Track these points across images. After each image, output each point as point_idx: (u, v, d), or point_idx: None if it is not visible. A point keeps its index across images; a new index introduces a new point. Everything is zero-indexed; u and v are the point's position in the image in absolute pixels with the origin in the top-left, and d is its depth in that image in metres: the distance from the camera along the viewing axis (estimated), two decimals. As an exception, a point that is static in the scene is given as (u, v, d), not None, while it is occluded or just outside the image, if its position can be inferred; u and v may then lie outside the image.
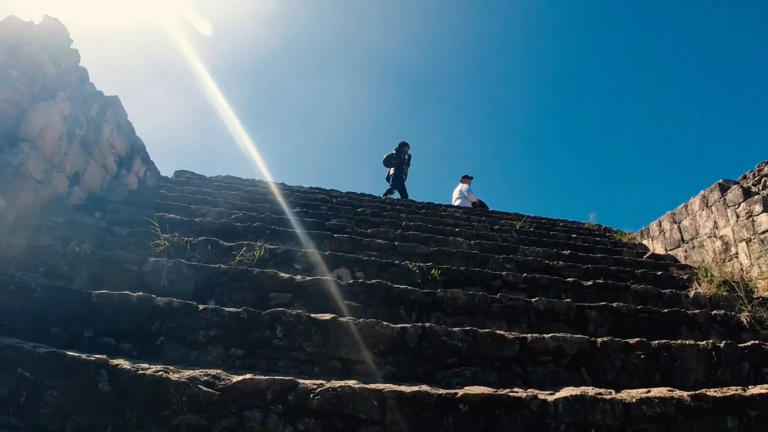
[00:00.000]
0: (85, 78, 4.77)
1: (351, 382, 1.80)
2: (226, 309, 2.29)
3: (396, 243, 4.58)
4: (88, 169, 4.77)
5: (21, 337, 1.94)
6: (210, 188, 6.61)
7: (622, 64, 40.69)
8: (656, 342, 2.58)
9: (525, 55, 40.73)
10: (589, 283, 4.01)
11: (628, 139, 41.36)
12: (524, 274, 3.99)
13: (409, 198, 9.44)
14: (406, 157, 10.54)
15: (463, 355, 2.32)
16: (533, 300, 3.21)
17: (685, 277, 4.83)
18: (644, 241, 7.04)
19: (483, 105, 42.98)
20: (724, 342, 2.68)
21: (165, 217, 4.08)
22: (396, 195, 10.12)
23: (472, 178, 10.33)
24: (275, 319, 2.26)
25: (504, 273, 3.98)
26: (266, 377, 1.74)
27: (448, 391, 1.81)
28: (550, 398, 1.84)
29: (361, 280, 3.15)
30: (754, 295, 4.19)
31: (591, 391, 1.97)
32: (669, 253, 6.41)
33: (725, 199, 5.52)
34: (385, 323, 2.35)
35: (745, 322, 3.46)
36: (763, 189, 5.17)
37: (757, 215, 5.00)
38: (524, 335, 2.46)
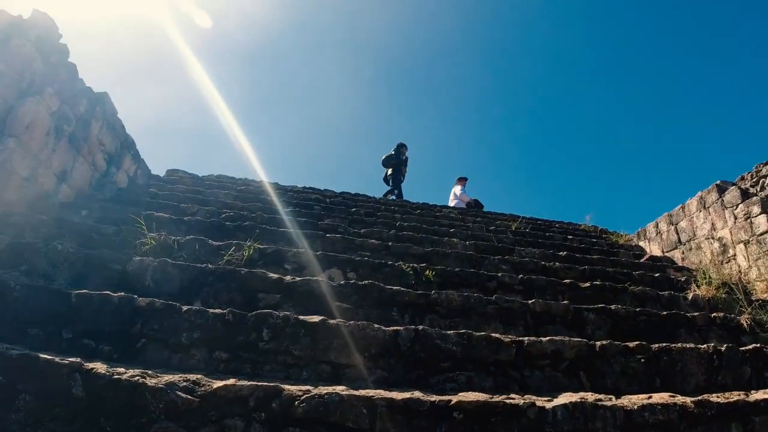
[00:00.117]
0: (74, 73, 4.67)
1: (339, 389, 1.72)
2: (211, 310, 2.19)
3: (390, 243, 4.50)
4: (76, 167, 4.67)
5: (-4, 338, 1.84)
6: (202, 187, 6.52)
7: (619, 64, 40.85)
8: (656, 345, 2.51)
9: (523, 55, 40.83)
10: (587, 284, 3.94)
11: (625, 141, 41.53)
12: (520, 276, 3.92)
13: (404, 199, 9.42)
14: (405, 158, 10.64)
15: (458, 359, 2.24)
16: (530, 302, 3.13)
17: (682, 279, 4.77)
18: (641, 243, 6.99)
19: (480, 105, 43.04)
20: (725, 345, 2.62)
21: (153, 216, 3.98)
22: (395, 195, 10.13)
23: (466, 179, 10.39)
24: (262, 321, 2.17)
25: (500, 274, 3.91)
26: (249, 383, 1.64)
27: (441, 397, 1.73)
28: (549, 405, 1.76)
29: (352, 281, 3.06)
30: (753, 297, 4.14)
31: (590, 397, 1.90)
32: (666, 254, 6.35)
33: (723, 200, 5.46)
34: (376, 326, 2.27)
35: (745, 324, 3.40)
36: (761, 190, 5.12)
37: (756, 216, 4.95)
38: (521, 338, 2.39)
